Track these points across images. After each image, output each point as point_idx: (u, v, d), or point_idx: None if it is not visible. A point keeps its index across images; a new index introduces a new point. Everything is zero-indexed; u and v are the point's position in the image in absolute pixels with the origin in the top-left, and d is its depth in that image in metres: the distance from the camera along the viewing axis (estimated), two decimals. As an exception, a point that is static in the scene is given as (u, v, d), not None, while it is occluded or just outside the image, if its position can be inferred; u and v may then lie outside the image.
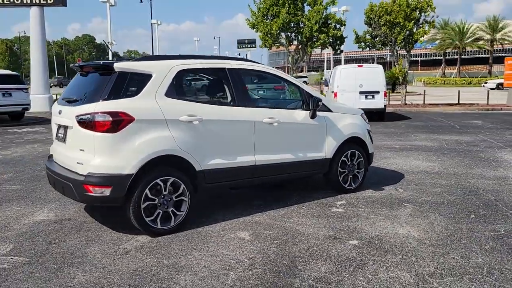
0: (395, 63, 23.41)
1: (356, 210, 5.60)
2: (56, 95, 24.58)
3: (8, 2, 21.59)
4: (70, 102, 4.99)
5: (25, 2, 21.67)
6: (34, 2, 21.62)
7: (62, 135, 5.04)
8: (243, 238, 4.69)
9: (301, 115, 5.88)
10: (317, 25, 21.99)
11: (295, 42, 23.84)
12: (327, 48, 25.54)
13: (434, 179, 7.23)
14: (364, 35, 23.10)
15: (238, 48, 47.30)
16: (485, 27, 64.99)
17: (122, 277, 3.80)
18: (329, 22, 22.97)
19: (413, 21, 21.60)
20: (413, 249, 4.33)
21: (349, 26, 28.21)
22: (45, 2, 21.72)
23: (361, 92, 16.02)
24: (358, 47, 23.77)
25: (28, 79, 35.47)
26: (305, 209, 5.67)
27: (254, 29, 23.11)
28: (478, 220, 5.16)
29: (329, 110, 6.20)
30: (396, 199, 6.08)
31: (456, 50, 66.61)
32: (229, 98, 5.44)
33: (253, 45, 47.34)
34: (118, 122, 4.49)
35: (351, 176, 6.45)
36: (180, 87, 5.27)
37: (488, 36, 65.04)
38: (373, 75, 16.25)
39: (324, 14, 22.67)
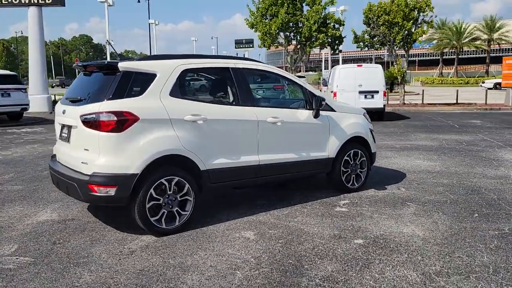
0: (394, 63, 23.45)
1: (359, 210, 5.61)
2: (55, 95, 24.55)
3: (6, 2, 21.53)
4: (74, 101, 4.98)
5: (23, 2, 21.61)
6: (32, 2, 21.56)
7: (66, 135, 5.03)
8: (248, 237, 4.69)
9: (305, 114, 5.88)
10: (316, 25, 22.01)
11: (293, 42, 23.86)
12: (326, 48, 25.57)
13: (436, 179, 7.25)
14: (363, 35, 23.15)
15: (236, 48, 47.28)
16: (483, 27, 65.14)
17: (128, 277, 3.79)
18: (327, 22, 22.99)
19: (411, 21, 21.65)
20: (419, 248, 4.33)
21: (346, 26, 28.16)
22: (43, 2, 21.67)
23: (360, 92, 16.04)
24: (357, 47, 23.82)
25: (25, 79, 35.44)
26: (308, 209, 5.67)
27: (253, 29, 23.13)
28: (481, 219, 5.18)
29: (332, 110, 6.21)
30: (399, 198, 6.09)
31: (453, 50, 66.73)
32: (233, 98, 5.44)
33: (251, 45, 47.34)
34: (123, 121, 4.48)
35: (354, 175, 6.45)
36: (185, 86, 5.27)
37: (485, 36, 65.21)
38: (372, 75, 16.28)
39: (323, 14, 22.69)
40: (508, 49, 67.39)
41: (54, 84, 70.08)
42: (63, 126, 5.14)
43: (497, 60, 65.64)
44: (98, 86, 4.87)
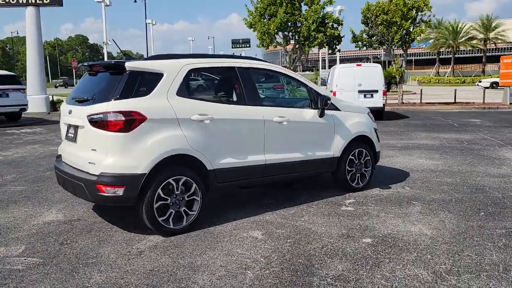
0: (392, 62, 23.48)
1: (366, 209, 5.61)
2: (53, 95, 24.46)
3: (4, 2, 21.43)
4: (80, 101, 4.95)
5: (21, 2, 21.53)
6: (30, 2, 21.48)
7: (72, 135, 5.01)
8: (256, 237, 4.68)
9: (310, 113, 5.88)
10: (315, 24, 22.01)
11: (292, 42, 23.85)
12: (324, 47, 25.58)
13: (439, 177, 7.26)
14: (361, 35, 23.17)
15: (232, 48, 47.32)
16: (479, 26, 65.43)
17: (139, 277, 3.78)
18: (326, 21, 23.00)
19: (410, 21, 21.68)
20: (427, 247, 4.34)
21: (344, 26, 28.22)
22: (41, 2, 21.59)
23: (360, 91, 16.05)
24: (355, 47, 23.84)
25: (22, 79, 35.28)
26: (315, 208, 5.67)
27: (252, 29, 23.11)
28: (488, 218, 5.19)
29: (337, 109, 6.21)
30: (404, 197, 6.10)
31: (449, 50, 66.99)
32: (240, 97, 5.43)
33: (248, 45, 47.38)
34: (131, 121, 4.47)
35: (359, 174, 6.46)
36: (191, 86, 5.26)
37: (481, 35, 65.51)
38: (372, 74, 16.30)
39: (321, 13, 22.70)
40: (504, 48, 67.67)
41: (58, 84, 70.27)
42: (69, 126, 5.12)
43: (493, 60, 66.01)
44: (104, 86, 4.85)
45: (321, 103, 5.83)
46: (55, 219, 5.40)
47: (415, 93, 32.63)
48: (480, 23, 65.58)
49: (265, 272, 3.84)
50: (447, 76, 63.80)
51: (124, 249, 4.41)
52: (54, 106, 22.87)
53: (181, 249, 4.37)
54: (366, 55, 73.82)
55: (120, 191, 4.46)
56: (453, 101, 23.87)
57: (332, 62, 46.92)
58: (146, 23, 50.90)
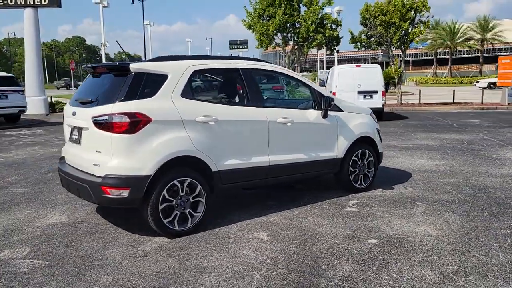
0: (391, 63, 23.51)
1: (370, 209, 5.61)
2: (51, 97, 24.39)
3: (2, 4, 21.37)
4: (84, 103, 4.94)
5: (19, 3, 21.46)
6: (28, 3, 21.43)
7: (76, 137, 4.99)
8: (261, 238, 4.67)
9: (313, 114, 5.88)
10: (314, 25, 22.03)
11: (291, 43, 23.88)
12: (323, 48, 25.60)
13: (441, 178, 7.27)
14: (360, 35, 23.19)
15: (230, 49, 47.37)
16: (476, 27, 65.62)
17: (146, 279, 3.77)
18: (325, 22, 23.03)
19: (408, 21, 21.72)
20: (433, 248, 4.34)
21: (343, 26, 28.24)
22: (39, 3, 21.53)
23: (359, 92, 16.07)
24: (354, 47, 23.86)
25: (19, 81, 35.18)
26: (318, 209, 5.67)
27: (251, 30, 23.12)
28: (492, 218, 5.19)
29: (340, 110, 6.21)
30: (408, 198, 6.10)
31: (447, 50, 67.15)
32: (244, 98, 5.43)
33: (245, 46, 47.43)
34: (136, 123, 4.46)
35: (362, 175, 6.46)
36: (196, 87, 5.25)
37: (478, 36, 65.71)
38: (371, 75, 16.32)
39: (320, 14, 22.72)
40: (502, 49, 67.84)
41: (60, 86, 70.40)
42: (73, 128, 5.11)
43: (491, 60, 66.22)
44: (109, 88, 4.84)
45: (325, 104, 5.84)
46: (58, 221, 5.38)
47: (413, 94, 32.70)
48: (477, 24, 65.77)
49: (272, 274, 3.84)
50: (445, 77, 63.95)
51: (130, 251, 4.39)
52: (52, 107, 22.83)
53: (186, 251, 4.36)
54: (364, 56, 73.94)
55: (125, 193, 4.45)
56: (452, 101, 23.91)
57: (330, 63, 47.02)
58: (144, 24, 50.84)
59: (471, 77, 61.56)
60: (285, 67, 22.51)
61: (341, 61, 56.15)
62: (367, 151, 6.47)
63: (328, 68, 48.97)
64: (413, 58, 77.70)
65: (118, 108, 4.44)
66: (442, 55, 70.81)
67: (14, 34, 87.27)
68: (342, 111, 6.23)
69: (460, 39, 65.14)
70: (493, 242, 4.46)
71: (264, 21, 22.84)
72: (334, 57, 45.37)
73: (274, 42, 23.46)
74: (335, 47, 24.33)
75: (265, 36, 22.77)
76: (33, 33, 21.92)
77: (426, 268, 3.88)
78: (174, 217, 4.69)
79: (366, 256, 4.16)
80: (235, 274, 3.83)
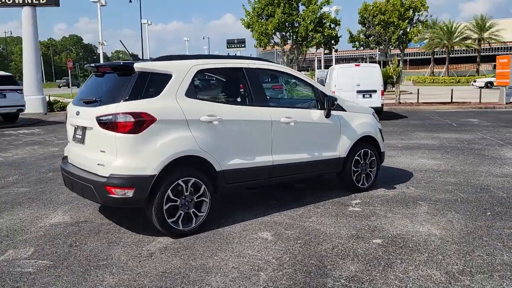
0: (389, 62, 23.54)
1: (373, 209, 5.62)
2: (49, 96, 24.32)
3: (0, 2, 21.28)
4: (88, 103, 4.92)
5: (17, 2, 21.38)
6: (26, 2, 21.35)
7: (80, 136, 4.98)
8: (266, 238, 4.67)
9: (317, 114, 5.88)
10: (312, 24, 22.03)
11: (289, 42, 23.88)
12: (322, 47, 25.62)
13: (443, 177, 7.29)
14: (358, 35, 23.20)
15: (227, 48, 47.32)
16: (473, 27, 65.78)
17: (152, 279, 3.76)
18: (323, 21, 23.04)
19: (407, 21, 21.75)
20: (438, 247, 4.35)
21: (341, 26, 28.24)
22: (37, 2, 21.47)
23: (358, 91, 16.09)
24: (353, 47, 23.88)
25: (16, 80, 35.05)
26: (322, 209, 5.67)
27: (249, 29, 23.11)
28: (495, 218, 5.21)
29: (343, 109, 6.21)
30: (410, 197, 6.11)
31: (444, 49, 67.26)
32: (247, 98, 5.43)
33: (243, 45, 47.41)
34: (140, 122, 4.45)
35: (364, 175, 6.47)
36: (200, 87, 5.25)
37: (475, 35, 65.87)
38: (370, 74, 16.35)
39: (319, 13, 22.73)
40: (498, 48, 68.03)
41: (61, 84, 70.43)
42: (76, 127, 5.09)
43: (487, 59, 66.42)
44: (113, 87, 4.83)
45: (328, 103, 5.84)
46: (61, 221, 5.36)
47: (411, 93, 32.74)
48: (474, 23, 65.94)
49: (278, 274, 3.84)
50: (442, 76, 64.08)
51: (134, 251, 4.39)
52: (50, 106, 22.76)
53: (191, 251, 4.36)
54: (361, 55, 73.96)
55: (130, 193, 4.44)
56: (450, 100, 23.97)
57: (327, 62, 47.01)
58: (141, 23, 50.71)
59: (468, 76, 61.70)
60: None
61: (338, 60, 56.24)
62: (369, 151, 6.48)
63: (326, 67, 48.98)
64: (410, 57, 77.82)
65: (123, 108, 4.43)
66: (439, 55, 70.94)
67: (11, 33, 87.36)
68: (345, 110, 6.24)
69: (457, 39, 65.30)
70: (497, 241, 4.47)
71: (263, 20, 22.82)
72: (332, 56, 45.37)
73: (272, 41, 23.45)
74: (334, 46, 24.33)
75: (264, 35, 22.76)
76: (31, 31, 21.85)
77: (431, 268, 3.89)
78: (179, 217, 4.68)
79: (371, 256, 4.17)
80: (241, 274, 3.83)
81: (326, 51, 26.25)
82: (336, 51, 26.20)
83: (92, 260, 4.18)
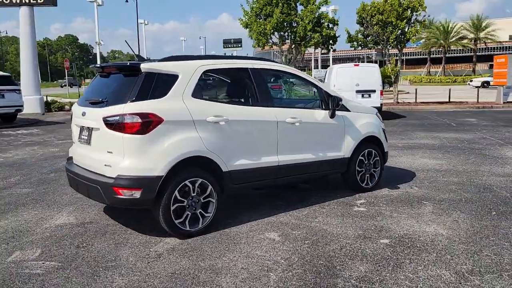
0: (387, 62, 23.58)
1: (378, 209, 5.63)
2: (47, 96, 24.23)
3: (-3, 2, 21.19)
4: (94, 103, 4.90)
5: (14, 1, 21.30)
6: (24, 1, 21.26)
7: (86, 137, 4.96)
8: (273, 238, 4.67)
9: (321, 114, 5.88)
10: (311, 24, 22.05)
11: (288, 42, 23.89)
12: (320, 47, 25.64)
13: (445, 177, 7.31)
14: (356, 35, 23.24)
15: (224, 47, 47.32)
16: (469, 26, 65.97)
17: (162, 280, 3.75)
18: (322, 21, 23.06)
19: (405, 21, 21.80)
20: (445, 247, 4.36)
21: (339, 25, 28.24)
22: (35, 1, 21.40)
23: (357, 91, 16.11)
24: (351, 47, 23.91)
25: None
26: (327, 209, 5.68)
27: (247, 29, 23.11)
28: (500, 217, 5.23)
29: (347, 110, 6.22)
30: (415, 197, 6.12)
31: (440, 49, 67.45)
32: (253, 98, 5.42)
33: (239, 45, 47.40)
34: (148, 123, 4.44)
35: (368, 175, 6.48)
36: (206, 87, 5.24)
37: (472, 35, 66.07)
38: (370, 74, 16.37)
39: (317, 13, 22.75)
40: (494, 48, 68.27)
41: (63, 84, 70.37)
42: (82, 128, 5.07)
43: (484, 59, 66.65)
44: (119, 88, 4.82)
45: (332, 104, 5.84)
46: (67, 222, 5.34)
47: (408, 93, 32.82)
48: (470, 23, 66.12)
49: (288, 274, 3.84)
50: (438, 76, 64.23)
51: (142, 252, 4.38)
52: (48, 106, 22.68)
53: (199, 252, 4.35)
54: (358, 55, 74.03)
55: (137, 194, 4.43)
56: (447, 100, 24.05)
57: (324, 62, 47.07)
58: (138, 23, 50.62)
59: (464, 76, 61.87)
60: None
61: (335, 60, 56.30)
62: (373, 151, 6.49)
63: (323, 67, 48.97)
64: (406, 57, 77.89)
65: (130, 109, 4.42)
66: (436, 54, 71.12)
67: (6, 33, 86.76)
68: (349, 111, 6.25)
69: (454, 38, 65.48)
70: (504, 241, 4.49)
71: (261, 20, 22.82)
72: (329, 56, 45.42)
73: (271, 41, 23.45)
74: (332, 46, 24.36)
75: (262, 35, 22.76)
76: (28, 31, 21.77)
77: (441, 268, 3.90)
78: (186, 218, 4.68)
79: (380, 256, 4.17)
80: (251, 275, 3.83)
81: (324, 51, 26.23)
82: (334, 51, 26.21)
83: (100, 261, 4.16)
